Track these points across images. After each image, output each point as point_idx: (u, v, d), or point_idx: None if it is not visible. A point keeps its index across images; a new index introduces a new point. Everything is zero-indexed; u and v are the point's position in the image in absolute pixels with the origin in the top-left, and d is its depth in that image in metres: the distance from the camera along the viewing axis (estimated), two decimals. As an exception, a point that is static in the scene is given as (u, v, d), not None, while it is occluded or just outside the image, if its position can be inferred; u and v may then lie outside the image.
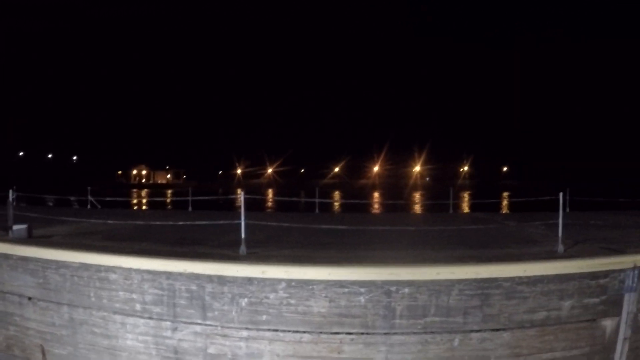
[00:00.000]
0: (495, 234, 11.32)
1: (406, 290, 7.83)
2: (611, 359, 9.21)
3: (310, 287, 7.92)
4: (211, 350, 8.64)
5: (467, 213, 18.52)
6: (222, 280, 8.31)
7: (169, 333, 8.84)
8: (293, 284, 7.99)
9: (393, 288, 7.81)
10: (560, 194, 9.47)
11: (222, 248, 9.43)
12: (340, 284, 7.87)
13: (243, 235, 9.10)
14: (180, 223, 11.33)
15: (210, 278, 8.39)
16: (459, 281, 7.86)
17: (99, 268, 9.25)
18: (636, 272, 9.09)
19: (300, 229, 10.48)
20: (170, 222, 12.14)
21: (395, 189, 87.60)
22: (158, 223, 12.52)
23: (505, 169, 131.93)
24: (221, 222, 9.75)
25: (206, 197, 20.45)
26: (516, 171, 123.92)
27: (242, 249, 9.08)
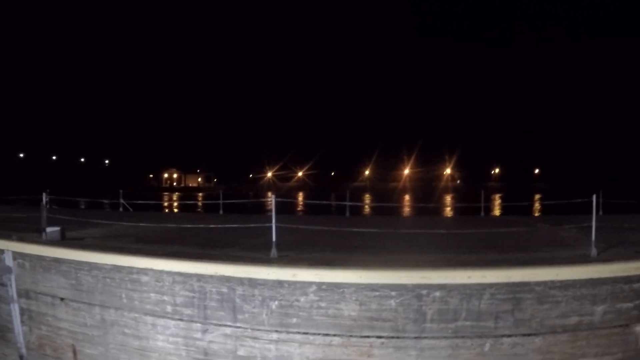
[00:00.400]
0: (527, 237, 11.23)
1: (437, 294, 7.79)
2: None
3: (341, 290, 7.93)
4: (241, 352, 8.70)
5: (498, 216, 18.34)
6: (252, 282, 8.36)
7: (199, 335, 8.91)
8: (324, 287, 8.00)
9: (424, 292, 7.79)
10: (594, 196, 9.35)
11: (253, 251, 9.49)
12: (371, 287, 7.86)
13: (274, 238, 9.15)
14: (211, 226, 11.42)
15: (241, 281, 8.44)
16: (490, 285, 7.80)
17: (130, 270, 9.37)
18: None
19: (330, 232, 10.51)
20: (201, 225, 12.24)
21: (426, 192, 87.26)
22: (189, 226, 12.64)
23: (537, 171, 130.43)
24: (252, 225, 9.81)
25: (237, 200, 20.54)
26: (548, 173, 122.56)
27: (273, 251, 9.13)
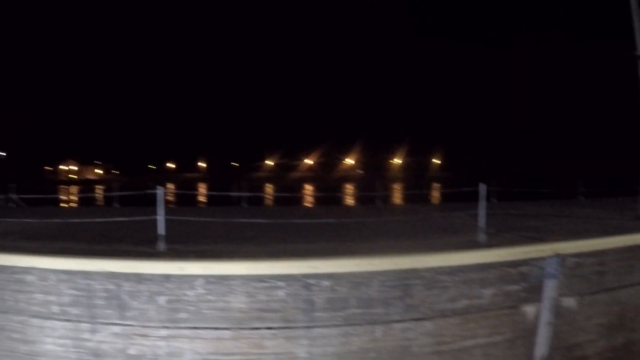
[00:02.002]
0: (419, 225, 11.39)
1: (326, 283, 7.72)
2: (533, 343, 9.34)
3: (229, 282, 7.73)
4: (131, 351, 8.34)
5: (394, 204, 18.61)
6: (139, 278, 8.02)
7: (88, 335, 8.49)
8: (211, 280, 7.77)
9: (312, 281, 7.69)
10: (481, 185, 9.54)
11: (142, 245, 9.12)
12: (259, 278, 7.70)
13: (161, 232, 8.83)
14: (98, 220, 10.93)
15: (127, 276, 8.09)
16: (379, 272, 7.82)
17: (14, 270, 8.81)
18: (556, 259, 9.21)
19: (225, 223, 10.25)
20: (91, 220, 11.71)
21: (327, 181, 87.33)
22: (79, 220, 12.08)
23: (435, 160, 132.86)
24: (140, 218, 9.41)
25: (131, 192, 19.67)
26: (448, 163, 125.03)
27: (161, 245, 8.79)
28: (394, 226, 10.60)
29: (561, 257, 9.30)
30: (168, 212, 8.92)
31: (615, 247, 10.41)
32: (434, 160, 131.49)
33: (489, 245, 9.00)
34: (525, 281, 8.95)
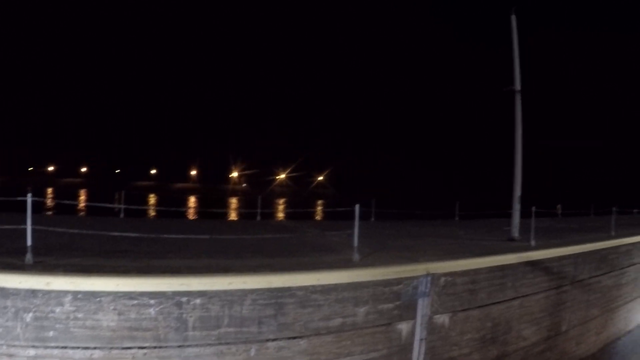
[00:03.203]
0: (296, 243, 11.49)
1: (198, 301, 7.68)
2: (409, 358, 9.66)
3: (98, 299, 7.52)
4: (-3, 372, 7.95)
5: (273, 221, 18.66)
6: (4, 292, 7.64)
7: (-53, 355, 8.02)
8: (80, 296, 7.53)
9: (184, 299, 7.63)
10: (357, 205, 9.77)
11: (9, 256, 8.66)
12: (129, 295, 7.54)
13: (29, 243, 8.43)
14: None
15: (-9, 291, 7.70)
16: (252, 291, 7.85)
17: None
18: (429, 278, 9.60)
19: (98, 235, 9.89)
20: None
21: (213, 194, 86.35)
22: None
23: (320, 178, 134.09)
24: (7, 227, 8.90)
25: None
26: (334, 179, 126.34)
27: (28, 257, 8.41)
28: (271, 244, 10.61)
29: (433, 277, 9.70)
30: (39, 221, 8.46)
31: (487, 267, 10.98)
32: (319, 177, 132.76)
33: (362, 264, 9.22)
34: (398, 299, 9.26)
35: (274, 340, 8.12)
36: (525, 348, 12.61)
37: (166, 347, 7.74)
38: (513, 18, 15.43)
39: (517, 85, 15.04)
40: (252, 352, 8.04)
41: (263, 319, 7.99)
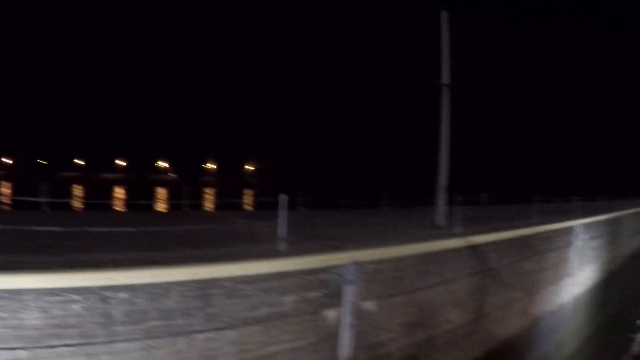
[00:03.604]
0: (223, 233, 11.55)
1: (124, 295, 7.70)
2: (337, 345, 9.98)
3: (21, 297, 7.43)
4: None
5: (202, 211, 18.62)
6: None
7: None
8: (2, 294, 7.42)
9: (110, 294, 7.64)
10: (282, 195, 9.94)
11: None
12: (53, 292, 7.48)
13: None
14: None
15: None
16: (178, 283, 7.92)
17: None
18: (355, 266, 9.93)
19: (18, 230, 9.69)
20: None
21: (141, 184, 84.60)
22: None
23: (247, 166, 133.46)
24: None
25: None
26: (264, 169, 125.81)
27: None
28: (198, 235, 10.67)
29: (359, 264, 10.05)
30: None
31: (412, 254, 11.45)
32: (248, 166, 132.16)
33: (289, 254, 9.44)
34: (325, 288, 9.56)
35: (202, 332, 8.21)
36: (452, 331, 13.19)
37: (93, 343, 7.71)
38: (444, 14, 15.94)
39: (445, 79, 15.58)
40: (181, 345, 8.10)
41: (190, 311, 8.07)
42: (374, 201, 24.17)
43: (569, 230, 22.06)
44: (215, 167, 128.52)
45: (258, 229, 12.20)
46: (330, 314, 9.74)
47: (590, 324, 26.56)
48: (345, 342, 10.11)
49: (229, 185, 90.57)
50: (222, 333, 8.41)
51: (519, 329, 17.16)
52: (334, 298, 9.74)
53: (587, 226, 24.39)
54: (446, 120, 15.65)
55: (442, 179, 15.53)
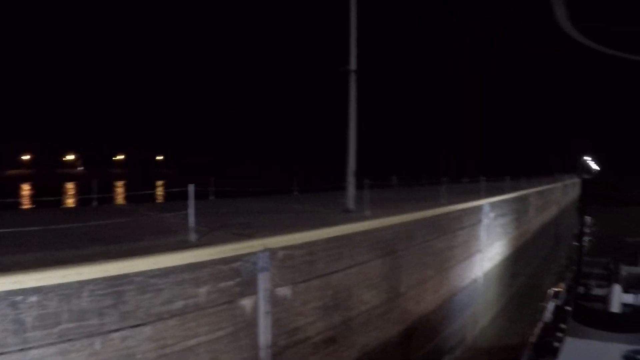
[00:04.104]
0: (133, 227, 11.56)
1: (34, 298, 7.68)
2: (256, 333, 10.31)
3: None
4: None
5: (111, 205, 18.35)
6: None
7: None
8: None
9: (19, 298, 7.59)
10: (190, 185, 10.08)
11: None
12: (-43, 301, 7.40)
13: None
14: None
15: None
16: (89, 281, 7.97)
17: None
18: (267, 253, 10.30)
19: None
20: None
21: (48, 179, 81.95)
22: None
23: (160, 157, 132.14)
24: None
25: None
26: (171, 160, 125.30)
27: None
28: (107, 230, 10.62)
29: (271, 251, 10.43)
30: None
31: (323, 238, 11.94)
32: (158, 157, 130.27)
33: (200, 244, 9.64)
34: (239, 276, 9.87)
35: (117, 330, 8.29)
36: (368, 311, 13.81)
37: (7, 352, 7.65)
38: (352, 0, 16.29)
39: (353, 66, 16.09)
40: (97, 346, 8.15)
41: (104, 310, 8.15)
42: (285, 188, 24.62)
43: (477, 209, 23.27)
44: (124, 158, 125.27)
45: (168, 220, 12.29)
46: (245, 302, 10.05)
47: (502, 296, 28.21)
48: (264, 330, 10.46)
49: (140, 177, 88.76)
50: (138, 330, 8.52)
51: (434, 305, 18.07)
52: (248, 286, 10.07)
53: (494, 205, 25.80)
54: (354, 105, 16.17)
55: (351, 162, 16.07)
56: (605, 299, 12.84)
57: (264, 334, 10.50)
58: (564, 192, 71.11)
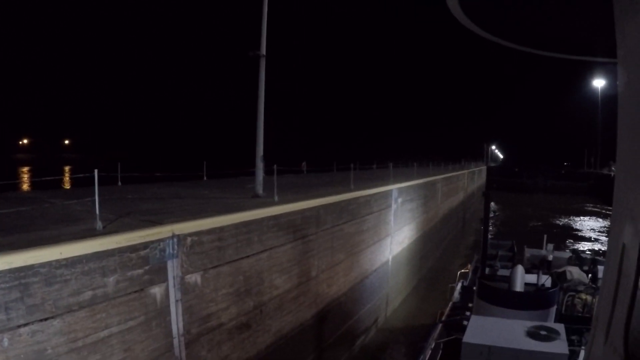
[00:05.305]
0: (38, 215, 11.45)
1: None
2: (168, 321, 10.57)
3: None
4: None
5: (13, 193, 17.79)
6: None
7: None
8: None
9: None
10: (95, 171, 10.15)
11: None
12: None
13: None
14: None
15: None
16: (-8, 275, 7.94)
17: None
18: (175, 240, 10.58)
19: None
20: None
21: None
22: None
23: (67, 141, 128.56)
24: None
25: None
26: (78, 144, 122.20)
27: None
28: (9, 219, 10.38)
29: (180, 237, 10.71)
30: None
31: (232, 224, 12.31)
32: (66, 141, 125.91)
33: (106, 232, 9.73)
34: (147, 264, 10.08)
35: (25, 325, 8.26)
36: (280, 296, 14.32)
37: None
38: None
39: (263, 51, 16.44)
40: (5, 343, 8.06)
41: (10, 304, 8.10)
42: (194, 173, 24.78)
43: (386, 194, 24.25)
44: (28, 142, 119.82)
45: (74, 208, 12.26)
46: (156, 290, 10.28)
47: (413, 278, 29.55)
48: (176, 318, 10.73)
49: (46, 162, 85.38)
50: (47, 324, 8.52)
51: (346, 288, 18.86)
52: (158, 274, 10.29)
53: (403, 190, 26.93)
54: (262, 90, 16.57)
55: (259, 148, 16.47)
56: (509, 279, 13.92)
57: (177, 322, 10.77)
58: (470, 178, 74.40)
